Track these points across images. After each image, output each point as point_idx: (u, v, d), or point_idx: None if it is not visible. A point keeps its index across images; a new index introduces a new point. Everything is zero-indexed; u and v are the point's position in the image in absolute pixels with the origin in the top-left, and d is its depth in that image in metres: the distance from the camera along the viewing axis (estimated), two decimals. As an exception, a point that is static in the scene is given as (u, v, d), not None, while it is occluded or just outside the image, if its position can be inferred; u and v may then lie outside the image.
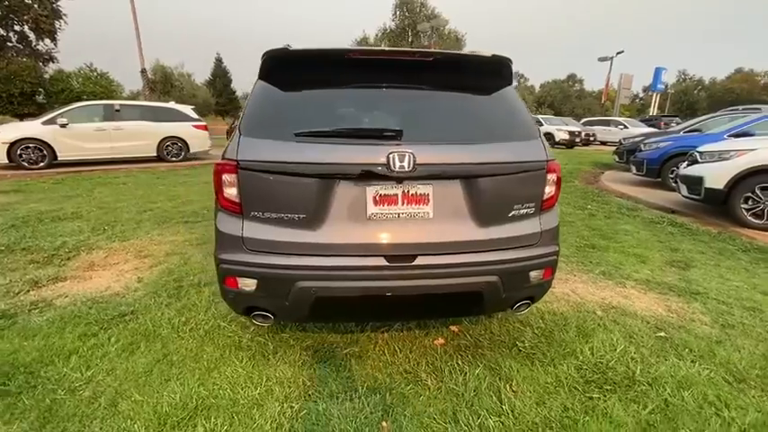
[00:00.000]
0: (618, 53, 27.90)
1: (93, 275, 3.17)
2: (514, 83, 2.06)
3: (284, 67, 1.85)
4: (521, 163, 1.76)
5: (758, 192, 4.55)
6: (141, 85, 20.95)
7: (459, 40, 33.01)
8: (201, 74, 50.51)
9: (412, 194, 1.69)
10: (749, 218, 4.64)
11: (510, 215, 1.79)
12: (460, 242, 1.73)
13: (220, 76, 51.13)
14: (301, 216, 1.67)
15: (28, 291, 2.85)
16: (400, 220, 1.70)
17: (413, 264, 1.69)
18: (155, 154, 10.16)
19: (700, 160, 5.17)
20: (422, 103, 1.88)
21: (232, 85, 54.00)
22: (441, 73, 1.90)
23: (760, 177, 4.51)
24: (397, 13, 31.65)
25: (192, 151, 10.74)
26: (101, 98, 17.59)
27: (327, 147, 1.65)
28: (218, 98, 41.83)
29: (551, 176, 1.84)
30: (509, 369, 2.02)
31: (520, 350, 2.21)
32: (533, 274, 1.85)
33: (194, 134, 10.56)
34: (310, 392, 1.85)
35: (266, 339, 2.26)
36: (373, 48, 1.79)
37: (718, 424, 1.69)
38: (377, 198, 1.67)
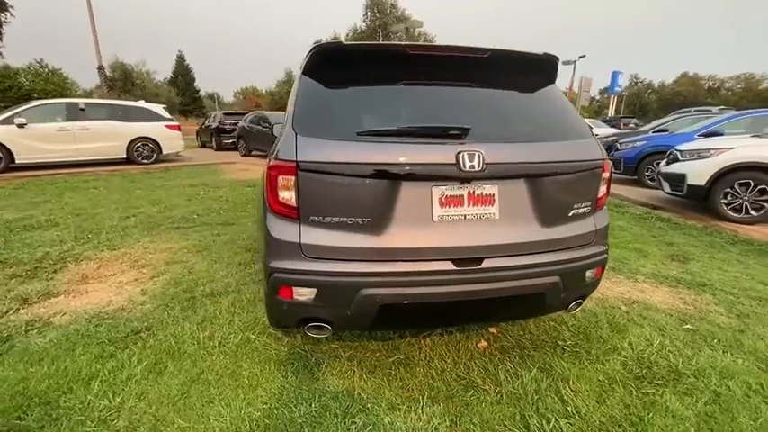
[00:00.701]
0: (580, 57, 29.22)
1: (89, 289, 2.89)
2: None
3: (336, 62, 1.75)
4: (581, 162, 1.75)
5: (737, 187, 4.87)
6: (99, 82, 19.68)
7: (430, 41, 33.41)
8: (164, 72, 48.24)
9: (478, 195, 1.63)
10: (729, 212, 4.96)
11: (570, 214, 1.78)
12: (525, 243, 1.69)
13: (183, 75, 49.11)
14: (365, 220, 1.57)
15: (17, 309, 2.55)
16: (467, 221, 1.64)
17: (480, 267, 1.64)
18: (124, 156, 9.52)
19: (681, 158, 5.46)
20: (479, 100, 1.84)
21: (195, 84, 52.10)
22: (494, 70, 1.86)
23: (738, 174, 4.83)
24: (368, 13, 31.62)
25: (164, 153, 10.16)
26: (53, 96, 16.32)
27: (393, 146, 1.56)
28: (182, 97, 40.07)
29: (605, 175, 1.85)
30: (561, 369, 2.01)
31: (564, 349, 2.21)
32: (588, 273, 1.85)
33: (167, 135, 10.00)
34: (368, 405, 1.75)
35: (305, 351, 2.13)
36: (429, 43, 1.72)
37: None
38: (443, 199, 1.61)
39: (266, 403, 1.75)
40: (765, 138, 5.13)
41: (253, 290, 2.87)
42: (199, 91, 54.61)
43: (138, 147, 9.61)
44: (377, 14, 31.26)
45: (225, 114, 14.96)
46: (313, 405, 1.74)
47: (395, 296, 1.59)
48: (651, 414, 1.72)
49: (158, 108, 10.13)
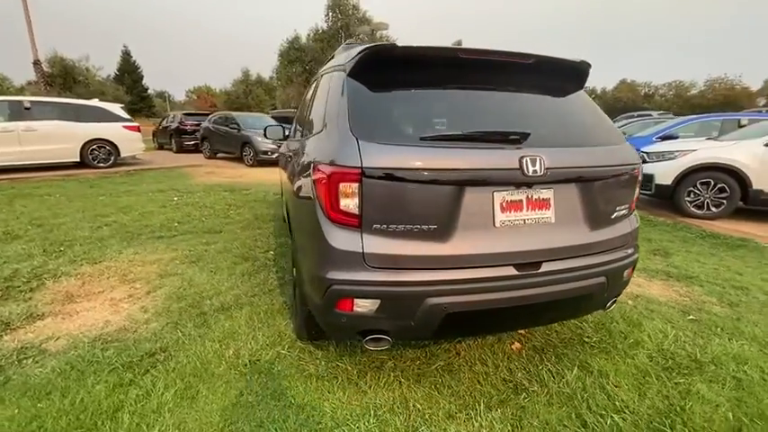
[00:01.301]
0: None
1: (79, 309, 2.60)
2: None
3: (388, 64, 1.69)
4: (623, 166, 1.82)
5: (699, 186, 5.33)
6: (35, 78, 17.91)
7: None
8: (109, 69, 44.74)
9: (535, 199, 1.65)
10: (692, 209, 5.42)
11: (613, 217, 1.84)
12: (577, 246, 1.73)
13: (129, 72, 46.00)
14: (431, 227, 1.53)
15: (0, 336, 2.23)
16: (526, 226, 1.65)
17: (539, 271, 1.65)
18: (77, 159, 8.70)
19: (648, 160, 5.90)
20: (527, 105, 1.86)
21: (143, 82, 48.96)
22: (536, 75, 1.89)
23: (700, 174, 5.29)
24: (330, 14, 31.32)
25: (122, 155, 9.42)
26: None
27: (460, 151, 1.54)
28: (129, 95, 37.49)
29: (639, 178, 1.94)
30: (598, 365, 2.08)
31: (592, 345, 2.29)
32: (625, 273, 1.93)
33: (125, 136, 9.28)
34: (427, 416, 1.71)
35: (343, 364, 2.04)
36: (481, 48, 1.71)
37: (745, 368, 1.94)
38: (504, 204, 1.60)
39: (320, 423, 1.65)
40: (721, 140, 5.66)
41: (266, 301, 2.72)
42: (147, 89, 51.40)
43: (93, 149, 8.83)
44: (339, 15, 31.04)
45: (186, 114, 14.15)
46: (371, 421, 1.67)
47: (460, 304, 1.56)
48: (690, 403, 1.82)
49: (115, 107, 9.37)
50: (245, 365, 2.01)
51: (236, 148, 10.95)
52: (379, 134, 1.53)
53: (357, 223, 1.52)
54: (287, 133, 4.11)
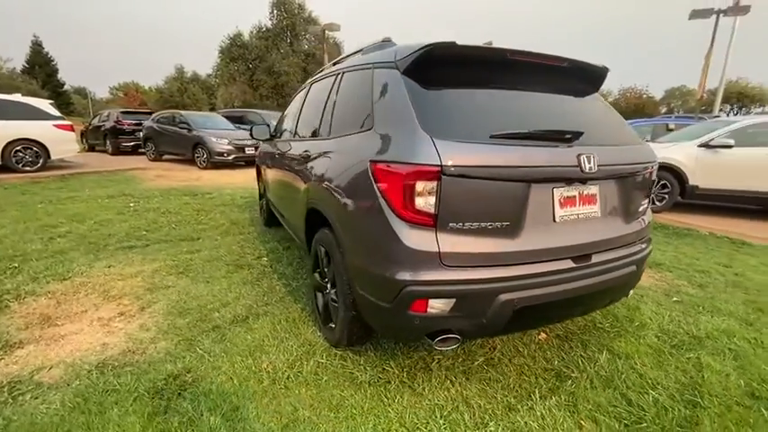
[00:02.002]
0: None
1: (64, 333, 2.26)
2: None
3: (446, 63, 1.69)
4: (647, 163, 1.99)
5: (646, 183, 5.98)
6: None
7: (338, 45, 33.54)
8: (18, 61, 39.19)
9: (585, 195, 1.75)
10: (641, 203, 6.06)
11: (639, 210, 2.01)
12: (617, 238, 1.87)
13: (41, 65, 40.87)
14: (503, 224, 1.56)
15: (-25, 371, 1.87)
16: (579, 220, 1.74)
17: (591, 262, 1.75)
18: (-4, 162, 7.52)
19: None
20: (565, 105, 1.96)
21: (59, 77, 43.80)
22: (568, 77, 2.00)
23: (647, 172, 5.93)
24: (275, 12, 30.32)
25: (53, 158, 8.32)
26: None
27: (526, 149, 1.58)
28: (45, 91, 33.21)
29: (655, 175, 2.13)
30: (620, 348, 2.24)
31: (607, 330, 2.47)
32: (645, 262, 2.11)
33: (57, 137, 8.19)
34: (490, 411, 1.73)
35: (390, 368, 1.99)
36: (525, 50, 1.78)
37: (733, 341, 2.24)
38: (561, 200, 1.68)
39: (390, 430, 1.60)
40: (658, 143, 6.40)
41: (281, 310, 2.57)
42: (64, 84, 46.00)
43: (17, 151, 7.69)
44: (284, 14, 30.17)
45: (123, 113, 12.83)
46: (440, 422, 1.65)
47: (528, 298, 1.60)
48: (707, 374, 2.03)
49: (43, 103, 8.23)
50: (288, 378, 1.89)
51: (186, 149, 10.18)
52: (450, 132, 1.52)
53: (432, 222, 1.50)
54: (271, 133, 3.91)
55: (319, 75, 2.93)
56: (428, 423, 1.64)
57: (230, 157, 9.75)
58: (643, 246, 2.04)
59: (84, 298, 2.68)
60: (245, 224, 4.78)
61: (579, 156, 1.65)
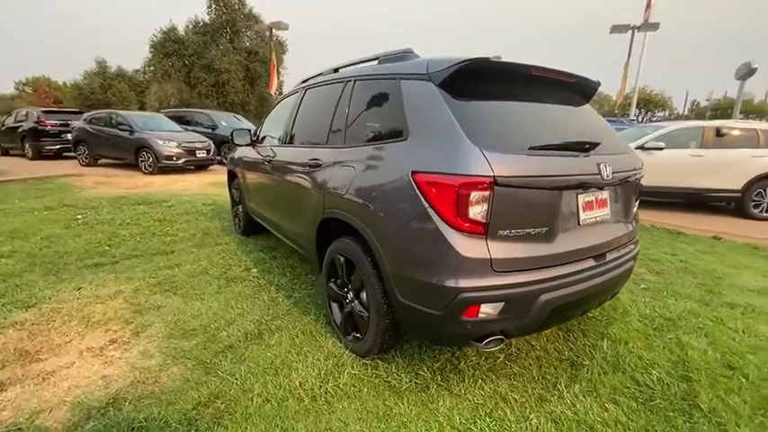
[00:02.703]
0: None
1: (52, 368, 2.00)
2: None
3: (479, 77, 1.77)
4: (639, 169, 2.23)
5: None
6: None
7: (282, 44, 32.57)
8: None
9: (599, 200, 1.93)
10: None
11: (633, 212, 2.25)
12: (622, 237, 2.08)
13: None
14: (542, 229, 1.67)
15: (-44, 424, 1.59)
16: (596, 223, 1.91)
17: (606, 260, 1.94)
18: None
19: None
20: (574, 116, 2.12)
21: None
22: (573, 91, 2.18)
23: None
24: (213, 6, 28.61)
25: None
26: None
27: (559, 159, 1.71)
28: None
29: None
30: (614, 335, 2.49)
31: (598, 319, 2.72)
32: (636, 258, 2.37)
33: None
34: (526, 404, 1.84)
35: (423, 372, 2.03)
36: (544, 66, 1.92)
37: (728, 328, 2.61)
38: (584, 205, 1.84)
39: (444, 433, 1.65)
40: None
41: (293, 323, 2.50)
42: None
43: None
44: (223, 9, 28.61)
45: (46, 112, 11.33)
46: (486, 420, 1.73)
47: (562, 297, 1.73)
48: (688, 351, 2.33)
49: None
50: (327, 393, 1.85)
51: (127, 153, 9.29)
52: (493, 144, 1.60)
53: (483, 230, 1.57)
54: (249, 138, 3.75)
55: (318, 81, 2.87)
56: (475, 422, 1.71)
57: (180, 161, 9.09)
58: (636, 244, 2.29)
59: (63, 326, 2.38)
60: (218, 234, 4.51)
61: (599, 164, 1.82)
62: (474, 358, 2.19)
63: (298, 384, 1.90)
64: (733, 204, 6.64)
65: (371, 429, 1.65)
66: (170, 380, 1.94)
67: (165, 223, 4.86)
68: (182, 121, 11.52)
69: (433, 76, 1.78)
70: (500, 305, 1.61)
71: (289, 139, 3.04)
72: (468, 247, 1.56)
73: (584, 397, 1.90)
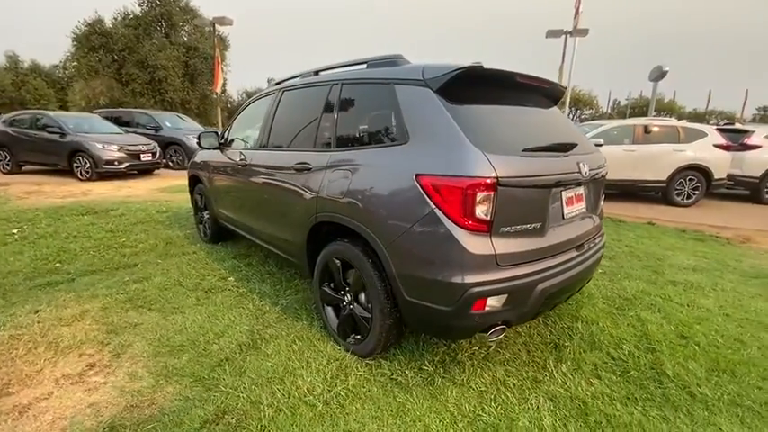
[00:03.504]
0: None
1: (27, 401, 1.81)
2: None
3: (473, 83, 1.86)
4: (605, 166, 2.47)
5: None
6: None
7: (224, 40, 31.04)
8: None
9: (577, 195, 2.12)
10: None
11: (600, 205, 2.49)
12: (594, 228, 2.30)
13: None
14: (538, 224, 1.82)
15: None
16: (576, 216, 2.10)
17: (584, 250, 2.14)
18: None
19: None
20: (550, 119, 2.30)
21: None
22: (548, 96, 2.36)
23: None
24: (145, -2, 26.48)
25: None
26: None
27: (548, 159, 1.86)
28: None
29: None
30: (586, 315, 2.74)
31: (569, 304, 2.97)
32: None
33: None
34: (524, 387, 1.99)
35: (426, 366, 2.11)
36: (526, 74, 2.07)
37: (676, 303, 2.98)
38: (566, 201, 2.02)
39: (457, 421, 1.74)
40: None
41: (286, 329, 2.46)
42: None
43: None
44: (156, 1, 26.57)
45: (-50, 113, 9.87)
46: (493, 405, 1.84)
47: (554, 285, 1.89)
48: (648, 326, 2.64)
49: None
50: (339, 396, 1.87)
51: (59, 158, 8.38)
52: (493, 147, 1.71)
53: (487, 228, 1.67)
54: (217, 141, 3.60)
55: (297, 83, 2.83)
56: (483, 408, 1.82)
57: (122, 166, 8.39)
58: (602, 235, 2.54)
59: (28, 354, 2.15)
60: (182, 243, 4.26)
61: (578, 163, 2.01)
62: (468, 348, 2.31)
63: (306, 391, 1.89)
64: (660, 193, 7.50)
65: (389, 426, 1.70)
66: (168, 400, 1.84)
67: (120, 234, 4.50)
68: (119, 122, 10.63)
69: (431, 82, 1.85)
70: (504, 297, 1.73)
71: (266, 143, 2.96)
72: (476, 244, 1.66)
73: (571, 375, 2.09)
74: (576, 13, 17.89)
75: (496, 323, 1.79)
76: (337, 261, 2.24)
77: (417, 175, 1.74)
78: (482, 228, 1.67)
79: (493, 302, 1.72)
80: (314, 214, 2.30)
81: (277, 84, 3.16)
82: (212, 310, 2.71)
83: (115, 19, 27.14)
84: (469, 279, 1.65)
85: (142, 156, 8.70)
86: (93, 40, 25.04)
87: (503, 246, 1.71)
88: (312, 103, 2.55)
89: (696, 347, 2.38)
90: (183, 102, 27.45)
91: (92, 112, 11.29)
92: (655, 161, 7.19)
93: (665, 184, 7.24)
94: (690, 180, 7.17)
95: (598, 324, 2.63)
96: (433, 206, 1.69)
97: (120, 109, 14.08)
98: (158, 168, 9.76)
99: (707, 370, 2.17)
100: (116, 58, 26.23)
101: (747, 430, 1.75)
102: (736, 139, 7.80)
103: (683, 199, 7.28)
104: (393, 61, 2.14)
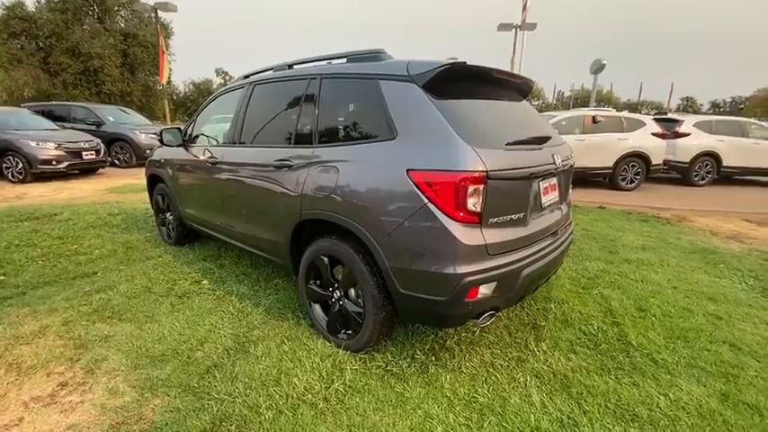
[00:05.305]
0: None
1: (4, 425, 1.65)
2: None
3: (456, 79, 1.91)
4: (572, 157, 2.64)
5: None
6: None
7: (167, 27, 28.98)
8: None
9: (551, 185, 2.25)
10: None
11: (569, 195, 2.66)
12: (565, 215, 2.47)
13: None
14: (521, 214, 1.92)
15: None
16: (551, 205, 2.24)
17: (558, 236, 2.29)
18: None
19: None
20: (522, 112, 2.41)
21: None
22: (519, 90, 2.48)
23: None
24: (71, -22, 23.93)
25: None
26: None
27: (528, 152, 1.97)
28: None
29: None
30: (556, 296, 2.94)
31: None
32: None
33: None
34: (510, 367, 2.11)
35: (418, 355, 2.17)
36: (503, 69, 2.16)
37: (631, 280, 3.27)
38: (543, 191, 2.14)
39: (454, 405, 1.82)
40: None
41: (273, 330, 2.42)
42: None
43: None
44: (87, -18, 24.17)
45: None
46: (485, 386, 1.95)
47: (536, 270, 2.01)
48: (611, 303, 2.88)
49: None
50: (338, 392, 1.88)
51: (-17, 158, 7.49)
52: (479, 141, 1.78)
53: (478, 220, 1.75)
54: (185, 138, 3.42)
55: (270, 77, 2.73)
56: (476, 390, 1.92)
57: (62, 166, 7.66)
58: (571, 223, 2.73)
59: (-15, 379, 1.95)
60: (144, 247, 4.01)
61: (553, 155, 2.14)
62: (455, 335, 2.40)
63: (304, 390, 1.89)
64: (607, 179, 8.10)
65: (390, 416, 1.74)
66: (158, 414, 1.75)
67: (70, 241, 4.14)
68: (52, 116, 9.64)
69: (417, 77, 1.88)
70: (494, 284, 1.82)
71: (239, 139, 2.85)
72: (468, 235, 1.72)
73: (551, 352, 2.25)
74: (524, 7, 18.69)
75: (487, 309, 1.88)
76: (324, 258, 2.23)
77: (408, 171, 1.77)
78: (473, 219, 1.74)
79: (484, 290, 1.80)
80: (298, 212, 2.26)
81: (246, 77, 3.03)
82: (190, 315, 2.60)
83: (38, 2, 24.39)
84: (463, 269, 1.72)
85: (84, 154, 7.99)
86: (12, 25, 22.33)
87: (492, 236, 1.79)
88: (289, 97, 2.49)
89: (654, 318, 2.64)
90: (124, 94, 25.38)
91: (19, 106, 10.15)
92: (602, 149, 7.74)
93: (611, 171, 7.83)
94: (632, 166, 7.81)
95: (568, 303, 2.84)
96: (426, 200, 1.73)
97: (54, 102, 12.76)
98: (103, 167, 9.02)
99: (664, 338, 2.42)
100: (41, 45, 23.64)
101: (703, 388, 1.98)
102: (669, 128, 8.57)
103: (626, 184, 7.92)
104: (375, 56, 2.14)
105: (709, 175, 8.64)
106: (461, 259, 1.72)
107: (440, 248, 1.74)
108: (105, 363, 2.11)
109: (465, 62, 1.89)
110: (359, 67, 2.15)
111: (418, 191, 1.74)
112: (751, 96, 47.59)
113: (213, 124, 3.26)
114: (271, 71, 2.80)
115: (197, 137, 3.40)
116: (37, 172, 7.44)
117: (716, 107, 55.95)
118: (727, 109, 53.61)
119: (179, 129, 3.46)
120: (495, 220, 1.81)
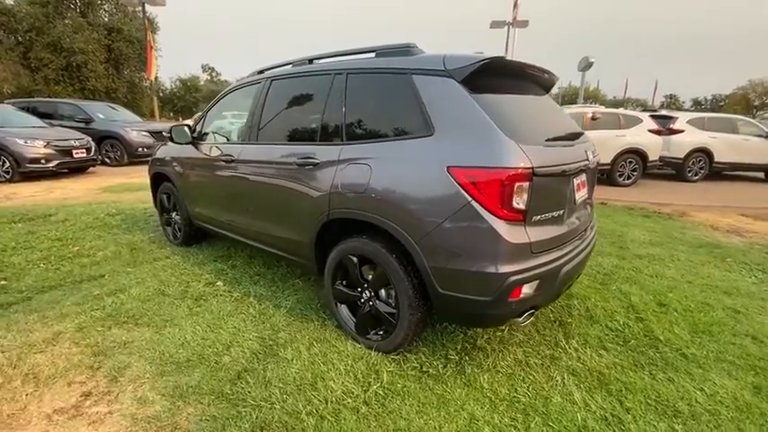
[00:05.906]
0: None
1: (20, 445, 1.56)
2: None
3: (493, 74, 1.88)
4: (598, 155, 2.63)
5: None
6: None
7: (153, 21, 28.31)
8: None
9: (582, 182, 2.23)
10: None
11: (594, 191, 2.65)
12: (592, 212, 2.46)
13: None
14: (561, 212, 1.89)
15: None
16: (582, 202, 2.22)
17: (587, 234, 2.28)
18: None
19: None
20: (549, 108, 2.38)
21: None
22: (542, 85, 2.43)
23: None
24: (51, -30, 23.12)
25: None
26: None
27: (571, 149, 1.96)
28: None
29: None
30: (578, 293, 2.94)
31: (559, 282, 3.17)
32: None
33: None
34: (545, 365, 2.10)
35: (452, 356, 2.14)
36: (532, 64, 2.13)
37: (646, 275, 3.30)
38: (576, 187, 2.12)
39: (497, 406, 1.79)
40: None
41: (300, 332, 2.36)
42: None
43: None
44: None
45: None
46: (523, 385, 1.92)
47: (572, 268, 2.00)
48: (632, 298, 2.89)
49: None
50: (378, 395, 1.83)
51: (-34, 158, 7.17)
52: (521, 137, 1.74)
53: (522, 218, 1.71)
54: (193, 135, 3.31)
55: (289, 72, 2.65)
56: (516, 389, 1.90)
57: (51, 164, 7.40)
58: (595, 220, 2.72)
59: (2, 391, 1.84)
60: (149, 248, 3.88)
61: (586, 151, 2.12)
62: (484, 334, 2.38)
63: (342, 394, 1.84)
64: (605, 175, 8.19)
65: (435, 419, 1.71)
66: (193, 423, 1.68)
67: (70, 242, 3.98)
68: (36, 113, 9.29)
69: (454, 72, 1.83)
70: (536, 283, 1.79)
71: (255, 136, 2.77)
72: (513, 234, 1.69)
73: (582, 349, 2.24)
74: (515, 5, 18.78)
75: (528, 309, 1.86)
76: (353, 258, 2.18)
77: (449, 168, 1.73)
78: (518, 217, 1.70)
79: (527, 289, 1.77)
80: (326, 211, 2.20)
81: (260, 72, 2.95)
82: (210, 319, 2.51)
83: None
84: (508, 268, 1.69)
85: (75, 152, 7.73)
86: (-11, 18, 21.54)
87: (535, 234, 1.76)
88: (312, 93, 2.42)
89: (675, 313, 2.66)
90: (109, 90, 24.75)
91: (1, 102, 9.77)
92: (600, 146, 7.73)
93: (609, 167, 7.92)
94: (629, 162, 7.92)
95: (591, 300, 2.84)
96: (469, 198, 1.69)
97: (38, 99, 12.32)
98: (94, 166, 8.75)
99: (689, 333, 2.44)
100: (21, 39, 22.87)
101: (735, 381, 2.00)
102: (663, 125, 8.72)
103: (624, 180, 8.03)
104: (406, 50, 2.08)
105: (702, 171, 8.83)
106: (506, 258, 1.69)
107: (484, 247, 1.70)
108: (128, 370, 2.02)
109: (503, 57, 1.85)
110: (389, 62, 2.09)
111: (461, 188, 1.70)
112: (731, 94, 48.99)
113: (226, 121, 3.16)
114: (289, 66, 2.72)
115: (207, 134, 3.30)
116: (25, 171, 7.17)
117: (697, 104, 57.38)
118: (708, 106, 55.02)
119: (188, 126, 3.35)
120: (538, 217, 1.78)
